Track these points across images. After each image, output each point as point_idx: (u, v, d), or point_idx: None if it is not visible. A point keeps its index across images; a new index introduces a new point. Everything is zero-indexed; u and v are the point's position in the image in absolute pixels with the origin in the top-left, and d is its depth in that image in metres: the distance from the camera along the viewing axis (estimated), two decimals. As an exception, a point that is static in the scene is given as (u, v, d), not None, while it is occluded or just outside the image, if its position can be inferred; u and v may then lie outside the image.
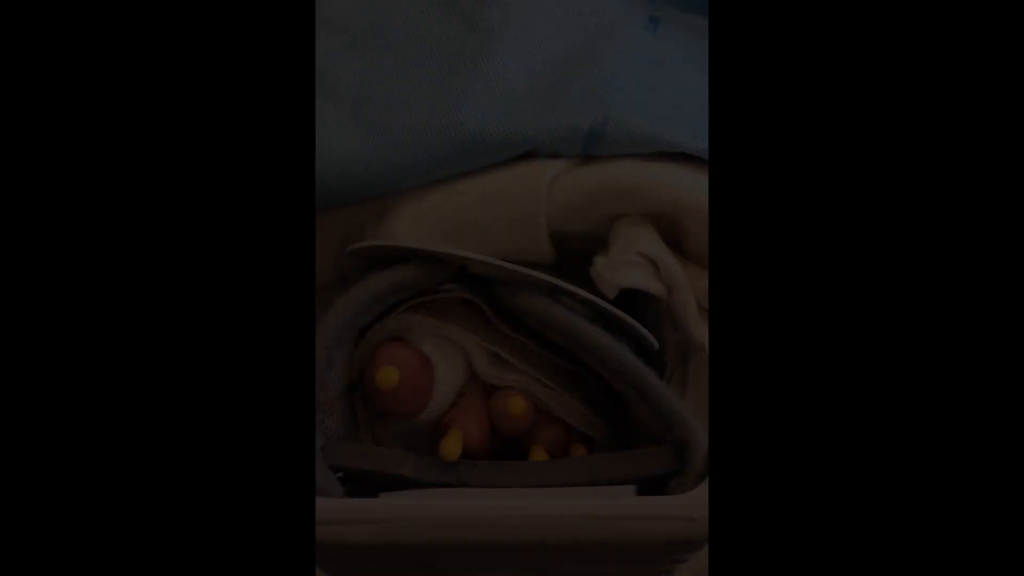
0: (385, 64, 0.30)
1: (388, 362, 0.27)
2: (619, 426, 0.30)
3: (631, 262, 0.28)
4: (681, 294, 0.29)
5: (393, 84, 0.30)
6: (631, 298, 0.31)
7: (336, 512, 0.23)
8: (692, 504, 0.23)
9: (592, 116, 0.29)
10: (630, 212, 0.30)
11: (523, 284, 0.28)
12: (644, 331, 0.28)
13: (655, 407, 0.26)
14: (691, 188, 0.28)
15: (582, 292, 0.27)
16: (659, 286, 0.29)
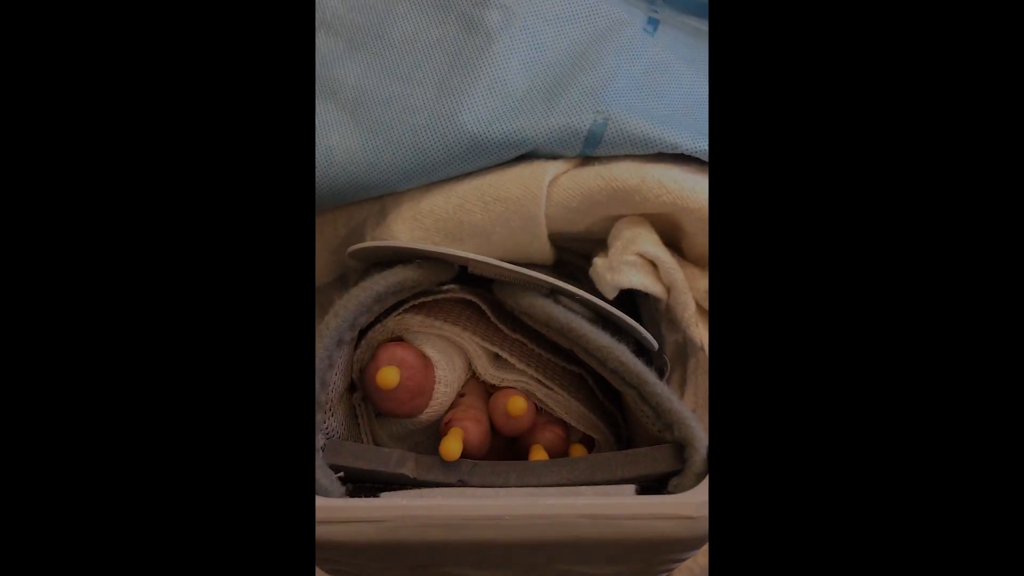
0: (385, 65, 0.30)
1: (389, 362, 0.27)
2: (618, 426, 0.30)
3: (630, 263, 0.28)
4: (680, 295, 0.29)
5: (393, 85, 0.30)
6: (630, 298, 0.31)
7: (337, 512, 0.23)
8: (691, 503, 0.23)
9: (591, 118, 0.29)
10: (629, 213, 0.30)
11: (523, 284, 0.28)
12: (643, 332, 0.28)
13: (654, 407, 0.26)
14: (690, 189, 0.28)
15: (581, 292, 0.27)
16: (658, 287, 0.29)
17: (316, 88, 0.30)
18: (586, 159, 0.30)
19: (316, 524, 0.23)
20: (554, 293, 0.28)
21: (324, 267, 0.34)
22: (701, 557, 0.33)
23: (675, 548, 0.24)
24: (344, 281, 0.36)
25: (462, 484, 0.26)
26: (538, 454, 0.28)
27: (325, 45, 0.31)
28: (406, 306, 0.29)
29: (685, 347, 0.32)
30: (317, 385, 0.25)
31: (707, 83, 0.32)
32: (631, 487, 0.25)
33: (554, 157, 0.30)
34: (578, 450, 0.29)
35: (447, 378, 0.28)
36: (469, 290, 0.29)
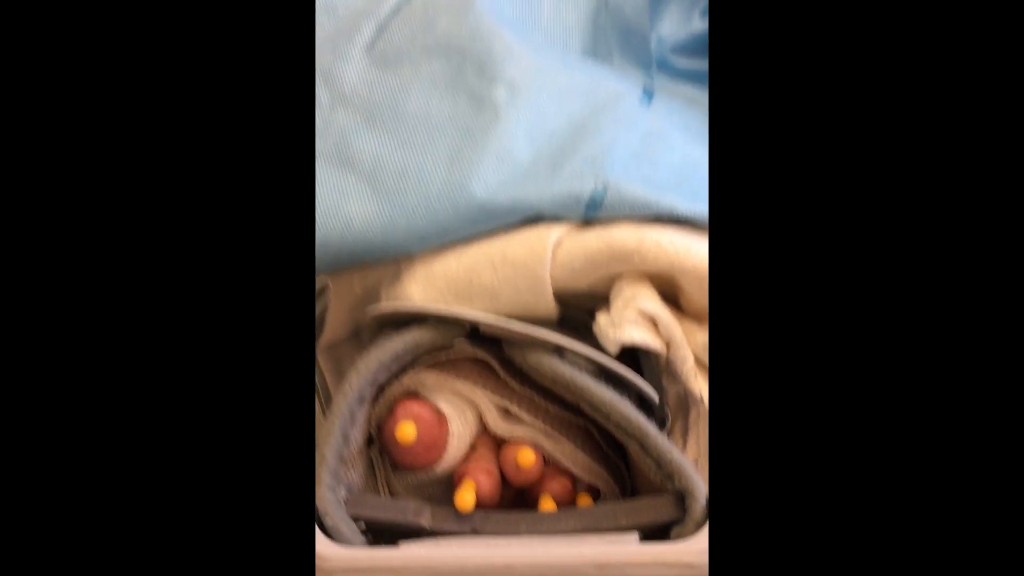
0: (400, 139, 0.32)
1: (406, 417, 0.28)
2: (623, 476, 0.31)
3: (631, 319, 0.29)
4: (679, 349, 0.30)
5: (408, 157, 0.31)
6: (632, 351, 0.32)
7: (359, 561, 0.24)
8: (691, 550, 0.24)
9: (592, 184, 0.30)
10: (629, 272, 0.31)
11: (531, 342, 0.29)
12: (645, 385, 0.29)
13: (656, 458, 0.27)
14: (686, 249, 0.29)
15: (585, 349, 0.29)
16: (658, 342, 0.30)
17: (337, 159, 0.32)
18: (588, 222, 0.31)
19: (341, 573, 0.24)
20: (560, 349, 0.29)
21: (341, 325, 0.35)
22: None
23: (676, 593, 0.25)
24: (358, 336, 0.37)
25: (475, 533, 0.27)
26: (547, 504, 0.29)
27: (344, 119, 0.33)
28: (421, 363, 0.30)
29: (685, 399, 0.33)
30: (339, 440, 0.26)
31: (700, 149, 0.33)
32: (634, 535, 0.26)
33: (558, 220, 0.31)
34: (584, 499, 0.30)
35: (460, 432, 0.29)
36: (480, 348, 0.30)
